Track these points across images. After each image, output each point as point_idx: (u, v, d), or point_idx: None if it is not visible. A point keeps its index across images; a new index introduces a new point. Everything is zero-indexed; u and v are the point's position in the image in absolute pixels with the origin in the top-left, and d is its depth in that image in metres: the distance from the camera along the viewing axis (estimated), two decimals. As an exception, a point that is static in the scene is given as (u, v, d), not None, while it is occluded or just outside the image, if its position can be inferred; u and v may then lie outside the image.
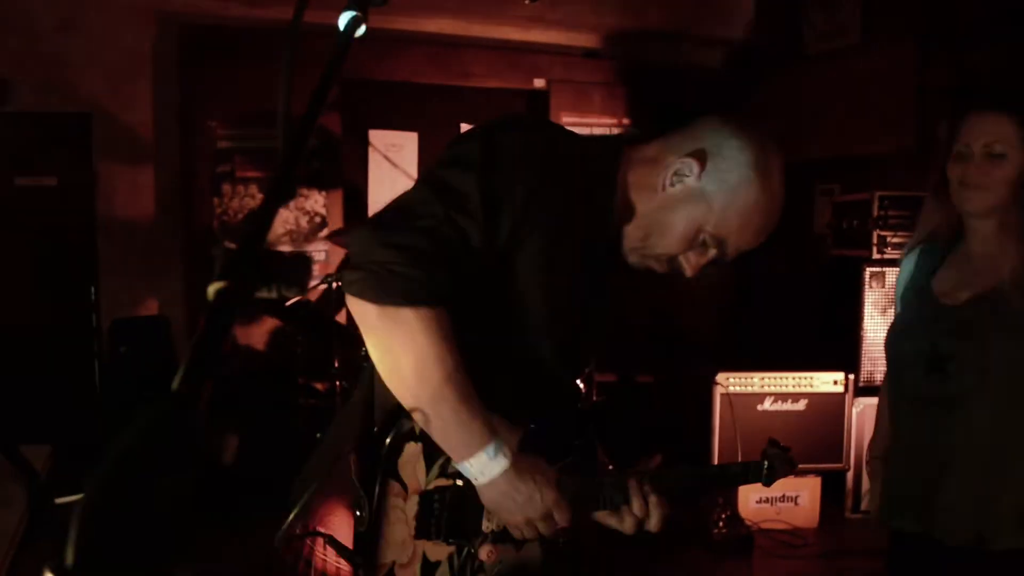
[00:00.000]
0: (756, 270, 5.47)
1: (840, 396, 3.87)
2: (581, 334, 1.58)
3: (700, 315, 5.40)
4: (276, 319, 4.53)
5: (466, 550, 1.44)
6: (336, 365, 3.95)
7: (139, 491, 0.48)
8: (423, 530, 1.42)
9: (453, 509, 1.42)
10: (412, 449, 1.41)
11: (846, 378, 3.87)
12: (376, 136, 5.14)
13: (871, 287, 3.94)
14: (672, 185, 1.43)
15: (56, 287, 4.33)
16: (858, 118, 4.72)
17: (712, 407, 3.78)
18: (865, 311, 3.95)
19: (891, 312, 3.91)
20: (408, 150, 5.18)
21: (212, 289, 0.67)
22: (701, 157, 1.42)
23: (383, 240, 1.28)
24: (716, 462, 3.79)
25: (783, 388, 3.83)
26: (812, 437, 3.84)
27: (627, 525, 1.47)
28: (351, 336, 4.02)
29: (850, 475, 3.92)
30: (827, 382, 3.86)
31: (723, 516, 3.72)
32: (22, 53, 4.25)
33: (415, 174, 5.17)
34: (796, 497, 3.87)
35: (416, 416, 1.35)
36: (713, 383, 3.78)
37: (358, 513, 1.40)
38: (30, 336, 4.21)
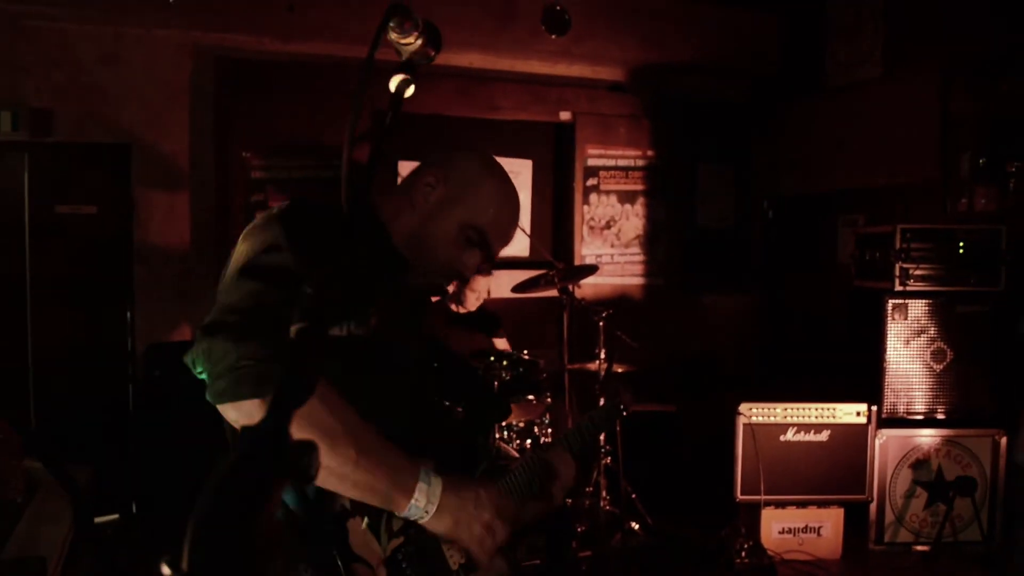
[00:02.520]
0: (780, 301, 5.50)
1: (863, 427, 3.88)
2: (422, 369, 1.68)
3: (724, 345, 5.43)
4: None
5: None
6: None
7: (243, 506, 0.55)
8: None
9: (419, 562, 1.43)
10: (356, 525, 1.39)
11: (869, 409, 3.88)
12: (406, 167, 5.26)
13: (893, 319, 3.96)
14: (426, 199, 1.58)
15: (94, 312, 4.44)
16: (882, 149, 4.76)
17: (735, 437, 3.80)
18: (888, 343, 3.96)
19: (914, 344, 3.96)
20: (436, 180, 5.29)
21: (294, 329, 0.77)
22: (439, 169, 1.60)
23: (235, 340, 1.26)
24: (740, 492, 3.82)
25: (806, 419, 3.85)
26: (835, 468, 3.85)
27: (557, 494, 1.64)
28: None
29: (873, 506, 3.92)
30: (850, 413, 3.87)
31: (745, 545, 3.74)
32: (65, 86, 4.41)
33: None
34: (819, 528, 3.88)
35: (338, 484, 1.33)
36: (736, 413, 3.81)
37: None
38: (68, 358, 4.33)
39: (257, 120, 4.89)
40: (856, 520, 3.94)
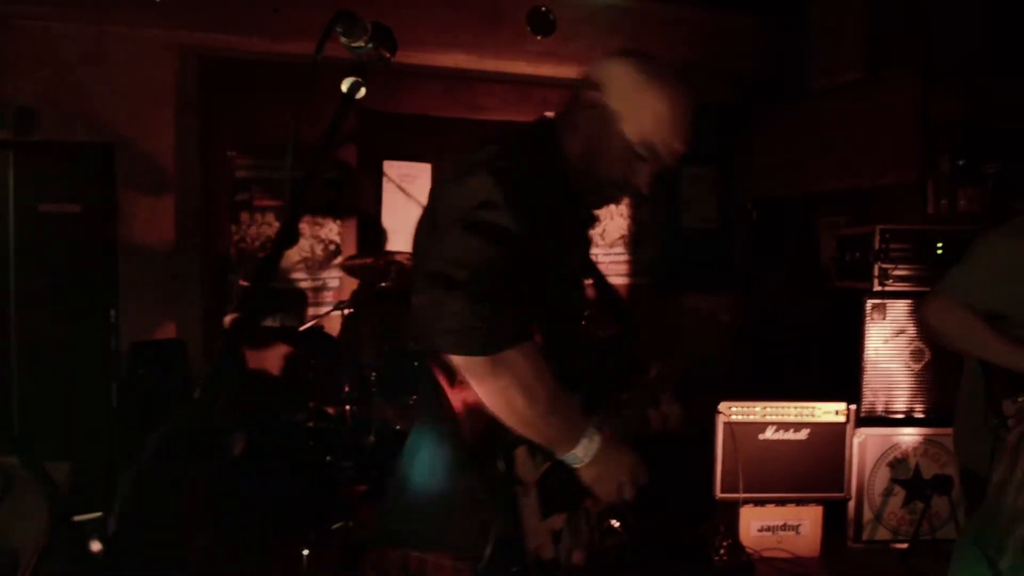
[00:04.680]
0: (763, 301, 5.54)
1: (842, 426, 3.91)
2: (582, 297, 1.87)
3: (707, 344, 5.46)
4: (289, 345, 4.64)
5: (576, 511, 1.65)
6: (346, 390, 4.04)
7: (168, 477, 0.58)
8: (548, 510, 1.60)
9: (562, 484, 1.60)
10: (521, 452, 1.58)
11: (848, 408, 3.91)
12: (391, 167, 5.28)
13: (873, 319, 4.00)
14: (589, 120, 1.63)
15: (77, 310, 4.44)
16: (862, 151, 4.80)
17: (715, 435, 3.83)
18: (867, 342, 4.00)
19: (893, 343, 3.99)
20: (422, 181, 5.31)
21: (227, 319, 0.80)
22: (597, 85, 1.63)
23: (467, 297, 1.39)
24: (720, 490, 3.85)
25: (785, 418, 3.88)
26: (814, 466, 3.88)
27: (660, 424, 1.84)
28: (360, 362, 4.11)
29: (852, 504, 3.96)
30: (829, 412, 3.91)
31: (724, 543, 3.76)
32: (49, 84, 4.41)
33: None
34: (798, 526, 3.91)
35: (527, 432, 1.51)
36: (716, 412, 3.83)
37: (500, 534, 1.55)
38: (52, 356, 4.33)
39: (242, 120, 4.90)
40: (835, 518, 3.98)
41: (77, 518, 3.00)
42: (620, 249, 5.79)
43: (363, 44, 1.24)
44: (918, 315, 2.50)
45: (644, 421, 1.80)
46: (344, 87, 1.20)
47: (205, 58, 4.79)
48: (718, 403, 3.86)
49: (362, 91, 1.21)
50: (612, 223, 5.78)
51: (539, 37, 4.82)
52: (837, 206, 5.09)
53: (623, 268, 5.80)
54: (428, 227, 1.61)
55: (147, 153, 4.66)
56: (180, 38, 4.65)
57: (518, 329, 1.45)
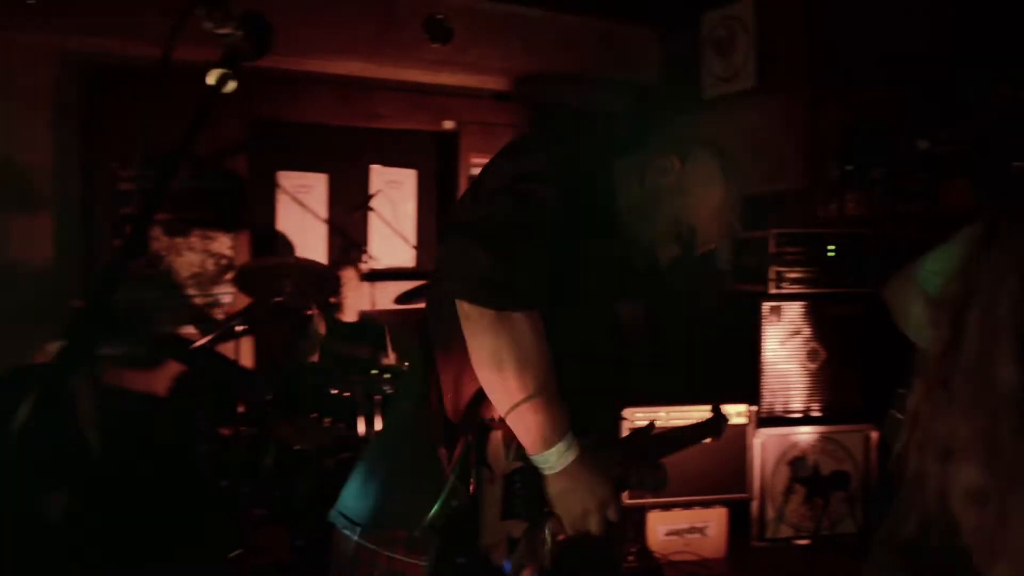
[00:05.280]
0: (665, 307, 5.60)
1: (743, 428, 3.96)
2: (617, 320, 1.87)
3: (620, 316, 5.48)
4: (179, 363, 4.43)
5: (539, 525, 1.57)
6: (240, 410, 3.88)
7: None
8: (508, 510, 1.54)
9: (530, 487, 1.54)
10: (495, 436, 1.54)
11: (748, 410, 3.97)
12: (285, 177, 5.12)
13: (770, 321, 4.07)
14: (655, 180, 1.70)
15: (-55, 334, 4.15)
16: (755, 159, 4.91)
17: (620, 441, 3.82)
18: (765, 345, 4.07)
19: (789, 345, 4.08)
20: (317, 191, 5.17)
21: (52, 348, 0.69)
22: (678, 157, 1.73)
23: (489, 250, 1.43)
24: (627, 496, 3.83)
25: (688, 421, 3.88)
26: (717, 468, 3.91)
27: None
28: (255, 380, 3.96)
29: (755, 504, 4.01)
30: (730, 414, 3.94)
31: (633, 549, 3.75)
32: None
33: (325, 215, 5.16)
34: (703, 528, 3.93)
35: (505, 406, 1.48)
36: (620, 418, 3.82)
37: (454, 503, 1.51)
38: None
39: (127, 130, 4.67)
40: (739, 518, 4.02)
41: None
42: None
43: (231, 32, 1.14)
44: (881, 292, 2.55)
45: (624, 470, 1.70)
46: (210, 80, 1.09)
47: (86, 65, 4.55)
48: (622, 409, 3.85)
49: (232, 85, 1.11)
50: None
51: (436, 45, 4.76)
52: (728, 162, 5.18)
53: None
54: (468, 198, 1.64)
55: (23, 166, 4.39)
56: (58, 43, 4.40)
57: (531, 295, 1.47)
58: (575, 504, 1.52)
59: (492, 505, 1.52)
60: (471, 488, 1.51)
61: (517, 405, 1.47)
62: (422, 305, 4.20)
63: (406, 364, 3.88)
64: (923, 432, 1.13)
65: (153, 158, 4.66)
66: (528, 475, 1.55)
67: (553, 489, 1.52)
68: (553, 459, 1.50)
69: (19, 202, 4.39)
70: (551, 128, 1.78)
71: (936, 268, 2.45)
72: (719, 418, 2.10)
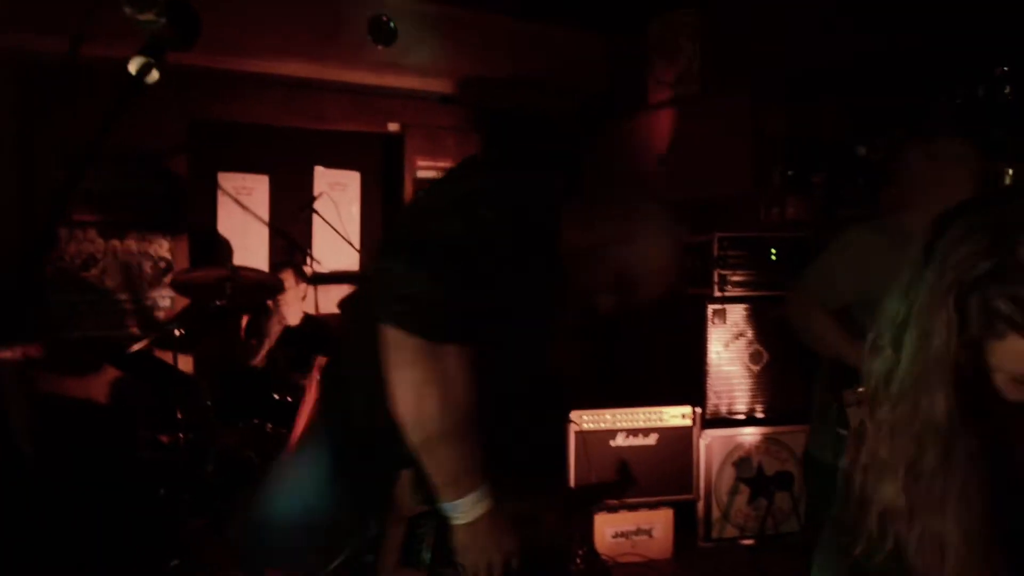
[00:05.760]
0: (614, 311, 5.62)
1: (688, 429, 4.00)
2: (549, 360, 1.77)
3: (558, 355, 5.48)
4: (117, 368, 4.30)
5: None
6: (180, 416, 3.78)
7: None
8: (407, 558, 1.47)
9: (433, 536, 1.48)
10: (406, 477, 1.46)
11: (693, 411, 4.00)
12: (226, 179, 5.02)
13: (714, 323, 4.12)
14: (601, 227, 1.60)
15: None
16: (701, 163, 4.96)
17: (567, 445, 3.82)
18: (709, 346, 4.12)
19: (733, 347, 4.13)
20: (259, 193, 5.08)
21: None
22: (625, 209, 1.64)
23: (428, 274, 1.34)
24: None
25: (634, 423, 3.93)
26: (663, 470, 3.95)
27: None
28: (195, 386, 3.86)
29: (700, 505, 4.04)
30: (676, 416, 3.98)
31: (580, 552, 3.75)
32: None
33: (267, 217, 5.07)
34: (650, 530, 3.95)
35: (421, 447, 1.38)
36: (567, 421, 3.83)
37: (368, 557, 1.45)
38: None
39: (68, 130, 4.50)
40: (685, 519, 4.05)
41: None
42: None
43: (152, 18, 1.08)
44: (784, 315, 2.60)
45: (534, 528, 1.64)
46: (132, 68, 1.04)
47: (23, 64, 4.39)
48: (569, 412, 3.86)
49: (154, 74, 1.06)
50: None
51: (380, 47, 4.72)
52: (680, 217, 5.22)
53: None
54: (410, 214, 1.56)
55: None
56: (16, 44, 4.23)
57: (466, 329, 1.38)
58: (480, 557, 1.45)
59: (391, 552, 1.45)
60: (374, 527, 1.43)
61: (430, 441, 1.38)
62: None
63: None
64: (867, 452, 1.13)
65: (93, 156, 4.50)
66: (433, 520, 1.46)
67: (461, 540, 1.44)
68: (464, 508, 1.42)
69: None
70: (503, 150, 1.69)
71: (821, 283, 2.51)
72: (626, 480, 2.09)
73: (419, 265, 1.35)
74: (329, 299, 4.85)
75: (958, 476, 1.02)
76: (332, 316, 4.73)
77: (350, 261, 5.17)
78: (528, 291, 1.54)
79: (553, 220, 1.59)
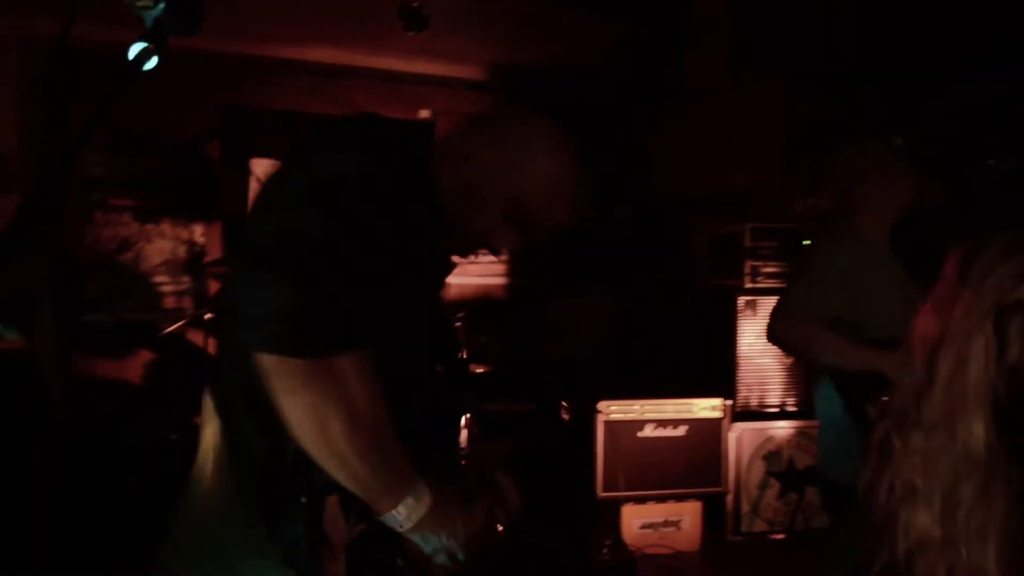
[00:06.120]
0: (642, 302, 5.60)
1: (718, 421, 3.96)
2: (433, 332, 1.59)
3: (587, 344, 5.47)
4: (150, 351, 4.35)
5: None
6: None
7: None
8: None
9: (380, 555, 1.40)
10: (332, 503, 1.31)
11: (723, 404, 3.97)
12: (258, 165, 5.04)
13: (745, 315, 4.08)
14: (474, 159, 1.44)
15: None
16: (731, 153, 4.91)
17: (594, 435, 3.81)
18: (740, 339, 4.08)
19: (764, 338, 4.08)
20: (291, 179, 5.10)
21: None
22: (495, 129, 1.48)
23: (292, 283, 1.14)
24: (601, 490, 3.83)
25: (663, 414, 3.90)
26: (692, 462, 3.92)
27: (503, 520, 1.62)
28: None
29: (729, 498, 4.02)
30: (706, 408, 3.95)
31: (607, 543, 3.74)
32: None
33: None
34: (678, 522, 3.93)
35: (339, 471, 1.23)
36: (595, 411, 3.82)
37: None
38: None
39: (69, 114, 4.55)
40: (714, 512, 4.03)
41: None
42: (498, 250, 5.74)
43: (149, 4, 1.07)
44: (769, 336, 2.55)
45: (477, 498, 1.56)
46: (131, 54, 1.03)
47: (53, 50, 4.43)
48: (597, 402, 3.84)
49: (154, 60, 1.05)
50: (490, 223, 5.72)
51: (411, 33, 4.70)
52: (710, 206, 5.19)
53: (501, 268, 5.74)
54: (261, 207, 1.32)
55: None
56: (22, 28, 4.28)
57: (352, 334, 1.20)
58: (437, 550, 1.37)
59: None
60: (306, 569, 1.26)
61: (347, 462, 1.23)
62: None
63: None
64: (897, 476, 1.09)
65: (122, 142, 4.55)
66: (376, 536, 1.36)
67: (413, 545, 1.35)
68: (403, 515, 1.30)
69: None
70: (357, 117, 1.49)
71: (811, 299, 2.47)
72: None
73: (281, 276, 1.15)
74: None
75: (999, 507, 0.98)
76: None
77: (380, 248, 5.19)
78: (413, 263, 1.41)
79: (426, 170, 1.44)
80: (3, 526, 2.93)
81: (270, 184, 1.36)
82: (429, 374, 1.56)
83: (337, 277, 1.18)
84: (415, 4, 4.72)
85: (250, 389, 1.24)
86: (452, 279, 4.75)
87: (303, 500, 1.28)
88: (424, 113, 5.37)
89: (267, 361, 1.18)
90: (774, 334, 2.53)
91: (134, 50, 1.02)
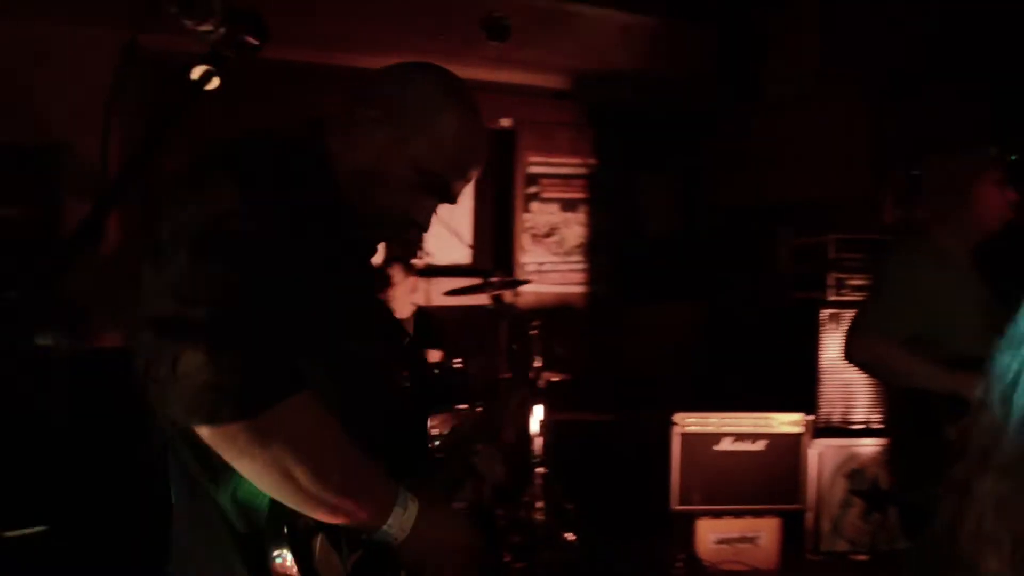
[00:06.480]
0: (720, 311, 5.51)
1: (798, 437, 3.88)
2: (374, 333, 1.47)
3: (664, 354, 5.42)
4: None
5: None
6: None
7: None
8: None
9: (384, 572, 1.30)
10: (320, 543, 1.22)
11: (804, 419, 3.88)
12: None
13: (828, 329, 3.97)
14: (371, 137, 1.34)
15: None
16: (816, 161, 4.79)
17: (670, 447, 3.77)
18: (823, 353, 3.97)
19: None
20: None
21: None
22: (385, 99, 1.35)
23: (205, 348, 1.04)
24: (675, 503, 3.78)
25: (741, 428, 3.83)
26: (771, 477, 3.84)
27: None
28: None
29: (809, 516, 3.92)
30: (785, 423, 3.87)
31: (681, 556, 3.70)
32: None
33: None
34: (755, 538, 3.85)
35: (315, 511, 1.17)
36: (671, 423, 3.78)
37: None
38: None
39: (190, 123, 4.75)
40: (793, 530, 3.93)
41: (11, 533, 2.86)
42: (578, 257, 5.73)
43: (211, 29, 1.09)
44: (846, 354, 2.48)
45: (461, 484, 1.50)
46: (194, 75, 1.06)
47: (152, 60, 4.63)
48: (673, 414, 3.80)
49: (215, 81, 1.07)
50: (569, 231, 5.72)
51: (493, 42, 4.75)
52: (792, 215, 5.07)
53: (580, 276, 5.73)
54: (150, 266, 1.17)
55: (90, 156, 4.49)
56: (123, 38, 4.49)
57: (286, 376, 1.11)
58: (441, 553, 1.30)
59: None
60: None
61: (327, 502, 1.16)
62: (481, 302, 4.21)
63: (456, 361, 3.85)
64: (966, 512, 1.04)
65: (145, 159, 4.70)
66: (374, 560, 1.27)
67: (408, 554, 1.27)
68: (395, 529, 1.23)
69: (89, 190, 4.50)
70: (230, 143, 1.26)
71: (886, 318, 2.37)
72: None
73: (191, 342, 1.04)
74: (440, 291, 4.92)
75: None
76: (443, 308, 4.82)
77: (461, 255, 5.25)
78: (333, 273, 1.30)
79: (323, 171, 1.34)
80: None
81: (146, 249, 1.22)
82: (386, 375, 1.48)
83: (251, 325, 1.09)
84: (497, 14, 4.77)
85: (199, 453, 1.18)
86: (530, 288, 4.79)
87: (286, 551, 1.18)
88: (506, 122, 5.42)
89: (204, 432, 1.09)
90: (851, 353, 2.45)
91: (197, 72, 1.06)
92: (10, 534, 3.10)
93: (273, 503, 1.17)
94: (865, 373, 2.54)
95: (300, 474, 1.12)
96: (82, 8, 4.24)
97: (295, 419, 1.12)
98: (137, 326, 1.10)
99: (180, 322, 1.06)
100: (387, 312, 1.69)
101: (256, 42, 1.11)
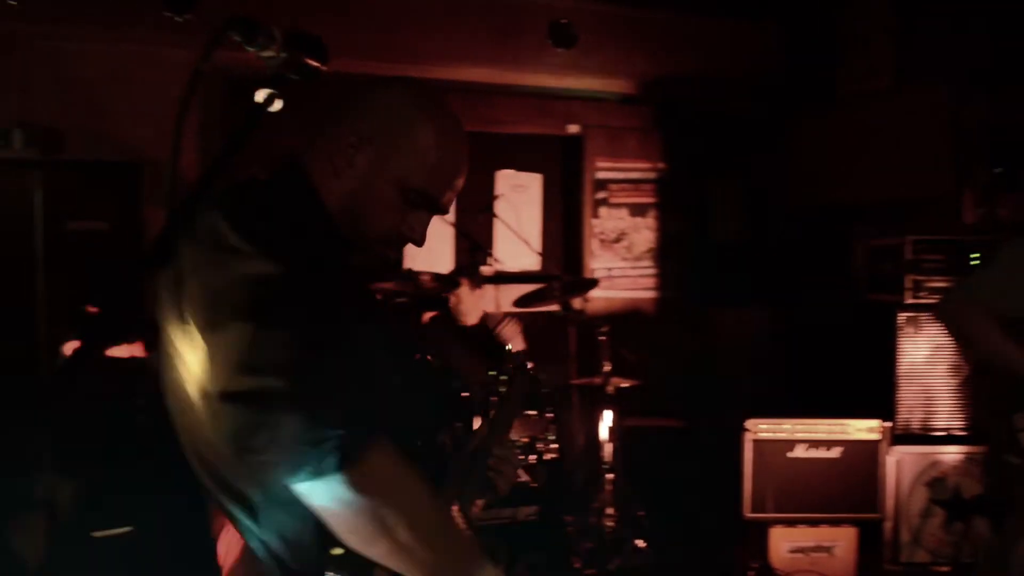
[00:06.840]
0: (794, 315, 5.41)
1: (876, 444, 3.78)
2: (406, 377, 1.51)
3: (735, 359, 5.34)
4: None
5: None
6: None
7: None
8: None
9: None
10: None
11: (882, 426, 3.78)
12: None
13: (907, 333, 3.87)
14: (351, 163, 1.34)
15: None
16: (894, 160, 4.67)
17: (742, 453, 3.72)
18: (901, 357, 3.87)
19: (929, 358, 3.85)
20: (444, 196, 5.26)
21: (68, 347, 0.72)
22: (359, 123, 1.35)
23: (296, 407, 1.09)
24: (748, 510, 3.73)
25: (816, 435, 3.76)
26: (847, 486, 3.76)
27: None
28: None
29: (888, 525, 3.81)
30: (862, 429, 3.78)
31: (754, 565, 3.65)
32: (74, 104, 4.44)
33: (451, 219, 5.24)
34: (831, 547, 3.77)
35: (404, 564, 1.16)
36: (743, 429, 3.73)
37: None
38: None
39: (268, 139, 4.88)
40: (870, 539, 3.84)
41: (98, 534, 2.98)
42: (647, 262, 5.69)
43: (274, 54, 1.12)
44: (938, 314, 2.44)
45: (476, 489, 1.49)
46: (259, 98, 1.11)
47: (229, 77, 4.78)
48: (745, 420, 3.75)
49: (278, 104, 1.12)
50: (638, 236, 5.68)
51: (560, 49, 4.77)
52: (870, 216, 4.95)
53: (650, 282, 5.70)
54: (179, 333, 1.21)
55: (176, 170, 4.66)
56: (208, 60, 4.64)
57: (367, 425, 1.13)
58: None
59: None
60: None
61: (425, 561, 1.15)
62: (549, 308, 4.22)
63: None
64: None
65: (211, 179, 4.82)
66: None
67: None
68: None
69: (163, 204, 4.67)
70: (223, 196, 1.27)
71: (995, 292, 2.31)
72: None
73: (282, 408, 1.08)
74: (509, 298, 4.95)
75: None
76: (510, 314, 4.84)
77: (529, 262, 5.27)
78: (354, 308, 1.33)
79: (313, 205, 1.34)
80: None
81: (167, 321, 1.25)
82: (418, 404, 1.52)
83: (327, 378, 1.13)
84: (564, 21, 4.80)
85: (256, 496, 1.21)
86: (599, 293, 4.78)
87: None
88: (573, 128, 5.42)
89: (307, 490, 1.12)
90: (945, 313, 2.43)
91: (261, 95, 1.11)
92: (97, 534, 3.24)
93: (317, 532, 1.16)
94: (950, 335, 2.49)
95: (398, 522, 1.13)
96: (161, 30, 4.41)
97: (387, 463, 1.14)
98: (223, 400, 1.11)
99: (266, 393, 1.09)
100: (398, 332, 1.75)
101: (318, 64, 1.16)
